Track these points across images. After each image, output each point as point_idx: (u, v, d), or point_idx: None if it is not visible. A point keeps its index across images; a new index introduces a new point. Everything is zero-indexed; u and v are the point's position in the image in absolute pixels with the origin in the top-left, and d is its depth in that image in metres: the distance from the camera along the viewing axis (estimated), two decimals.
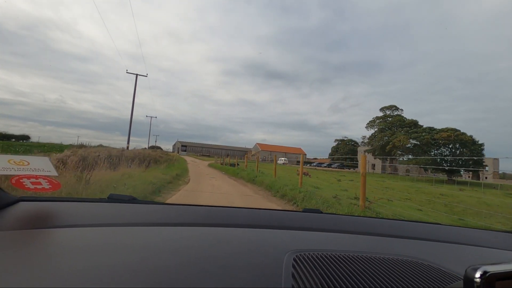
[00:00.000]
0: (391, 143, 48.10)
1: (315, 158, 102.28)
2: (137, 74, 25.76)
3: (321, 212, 1.25)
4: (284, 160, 71.36)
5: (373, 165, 68.16)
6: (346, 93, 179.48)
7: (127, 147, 24.85)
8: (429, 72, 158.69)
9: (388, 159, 58.69)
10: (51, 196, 1.19)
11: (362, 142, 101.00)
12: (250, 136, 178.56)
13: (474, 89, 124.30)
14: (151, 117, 56.80)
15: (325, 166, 57.49)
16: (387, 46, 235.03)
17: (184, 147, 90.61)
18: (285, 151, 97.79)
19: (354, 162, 72.19)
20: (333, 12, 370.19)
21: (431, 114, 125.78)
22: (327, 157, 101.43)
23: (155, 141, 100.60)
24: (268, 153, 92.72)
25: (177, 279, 0.53)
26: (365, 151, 64.81)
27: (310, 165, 63.92)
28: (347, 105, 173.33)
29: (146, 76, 26.17)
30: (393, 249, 0.85)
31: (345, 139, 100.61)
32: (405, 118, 57.33)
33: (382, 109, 62.55)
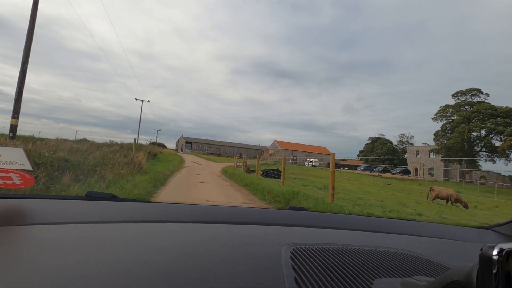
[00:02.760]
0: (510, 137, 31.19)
1: (344, 160, 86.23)
2: None
3: (306, 210, 1.26)
4: (314, 161, 55.58)
5: (430, 170, 51.73)
6: (356, 93, 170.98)
7: (11, 134, 9.27)
8: (443, 72, 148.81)
9: (464, 163, 41.95)
10: (23, 193, 1.05)
11: (399, 140, 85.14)
12: (257, 136, 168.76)
13: (490, 90, 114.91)
14: (142, 100, 41.72)
15: (380, 171, 40.89)
16: (400, 45, 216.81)
17: (189, 144, 75.04)
18: (308, 151, 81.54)
19: (399, 165, 55.55)
20: (346, 10, 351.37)
21: None
22: (356, 158, 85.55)
23: (156, 137, 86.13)
24: (288, 152, 76.81)
25: (166, 274, 0.50)
26: (430, 151, 48.26)
27: (343, 168, 47.40)
28: (361, 105, 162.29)
29: None
30: (379, 242, 0.88)
31: (382, 136, 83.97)
32: (495, 105, 40.44)
33: (455, 95, 45.71)
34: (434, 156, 53.51)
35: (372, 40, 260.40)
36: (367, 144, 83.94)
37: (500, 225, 1.19)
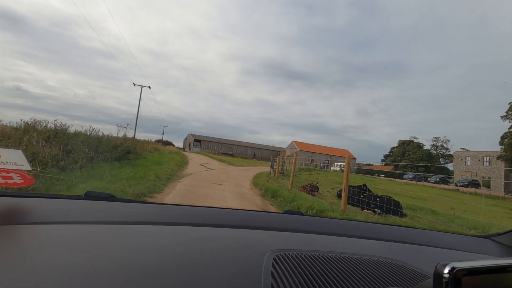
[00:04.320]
0: None
1: (369, 164, 76.49)
2: None
3: (302, 214, 1.25)
4: (342, 165, 46.78)
5: (484, 180, 42.19)
6: (370, 96, 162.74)
7: None
8: (461, 76, 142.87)
9: None
10: (23, 192, 1.05)
11: (432, 145, 75.16)
12: (266, 137, 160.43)
13: (510, 96, 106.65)
14: (142, 86, 33.99)
15: (438, 181, 31.78)
16: (417, 47, 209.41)
17: (198, 143, 66.93)
18: (330, 153, 72.54)
19: (435, 172, 46.15)
20: (362, 11, 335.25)
21: (459, 121, 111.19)
22: (381, 163, 76.00)
23: (162, 134, 78.73)
24: (308, 154, 67.94)
25: (156, 275, 0.52)
26: (498, 158, 38.66)
27: (378, 176, 38.31)
28: (376, 109, 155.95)
29: None
30: (368, 250, 0.88)
31: (414, 139, 74.02)
32: None
33: None
34: (487, 164, 44.05)
35: (388, 42, 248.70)
36: (396, 147, 74.18)
37: (499, 234, 1.18)
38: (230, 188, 8.35)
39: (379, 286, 0.60)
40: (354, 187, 8.06)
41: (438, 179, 33.69)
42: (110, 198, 1.03)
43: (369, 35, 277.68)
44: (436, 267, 0.38)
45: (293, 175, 9.41)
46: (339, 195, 7.80)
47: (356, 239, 1.00)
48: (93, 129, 9.97)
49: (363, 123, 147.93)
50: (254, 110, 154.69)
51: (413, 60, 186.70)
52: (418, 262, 0.80)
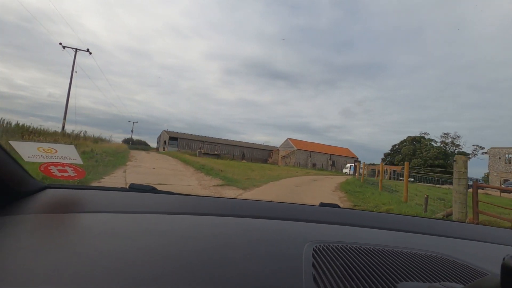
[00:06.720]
0: None
1: (372, 164, 67.21)
2: None
3: (338, 207, 1.24)
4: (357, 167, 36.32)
5: None
6: (352, 96, 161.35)
7: None
8: (438, 77, 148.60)
9: None
10: (77, 184, 1.19)
11: (442, 141, 66.94)
12: (250, 137, 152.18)
13: (483, 96, 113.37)
14: (76, 49, 21.92)
15: None
16: (397, 49, 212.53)
17: (174, 141, 53.93)
18: (330, 152, 62.35)
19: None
20: (344, 12, 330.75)
21: (436, 121, 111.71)
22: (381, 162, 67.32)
23: (132, 131, 65.31)
24: (306, 153, 57.32)
25: (199, 264, 0.54)
26: None
27: (401, 180, 27.53)
28: (360, 109, 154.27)
29: None
30: (414, 244, 0.84)
31: (425, 136, 65.07)
32: None
33: None
34: None
35: (369, 43, 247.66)
36: (405, 145, 65.25)
37: None
38: None
39: (429, 281, 0.55)
40: None
41: None
42: (152, 190, 1.10)
43: (351, 36, 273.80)
44: (504, 259, 0.33)
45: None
46: None
47: (398, 233, 0.96)
48: None
49: (345, 123, 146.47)
50: (237, 110, 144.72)
51: (393, 61, 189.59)
52: (471, 257, 0.75)
